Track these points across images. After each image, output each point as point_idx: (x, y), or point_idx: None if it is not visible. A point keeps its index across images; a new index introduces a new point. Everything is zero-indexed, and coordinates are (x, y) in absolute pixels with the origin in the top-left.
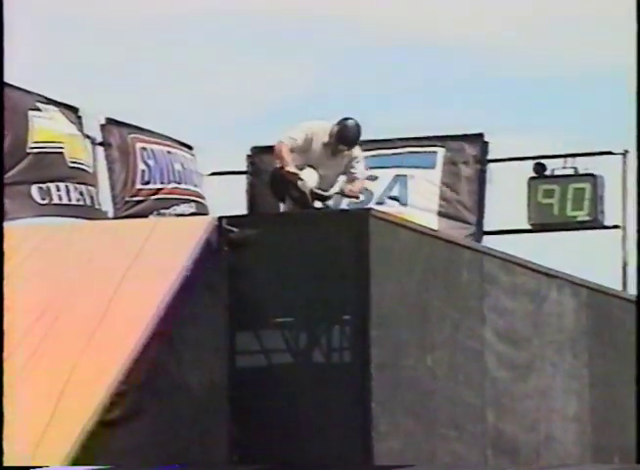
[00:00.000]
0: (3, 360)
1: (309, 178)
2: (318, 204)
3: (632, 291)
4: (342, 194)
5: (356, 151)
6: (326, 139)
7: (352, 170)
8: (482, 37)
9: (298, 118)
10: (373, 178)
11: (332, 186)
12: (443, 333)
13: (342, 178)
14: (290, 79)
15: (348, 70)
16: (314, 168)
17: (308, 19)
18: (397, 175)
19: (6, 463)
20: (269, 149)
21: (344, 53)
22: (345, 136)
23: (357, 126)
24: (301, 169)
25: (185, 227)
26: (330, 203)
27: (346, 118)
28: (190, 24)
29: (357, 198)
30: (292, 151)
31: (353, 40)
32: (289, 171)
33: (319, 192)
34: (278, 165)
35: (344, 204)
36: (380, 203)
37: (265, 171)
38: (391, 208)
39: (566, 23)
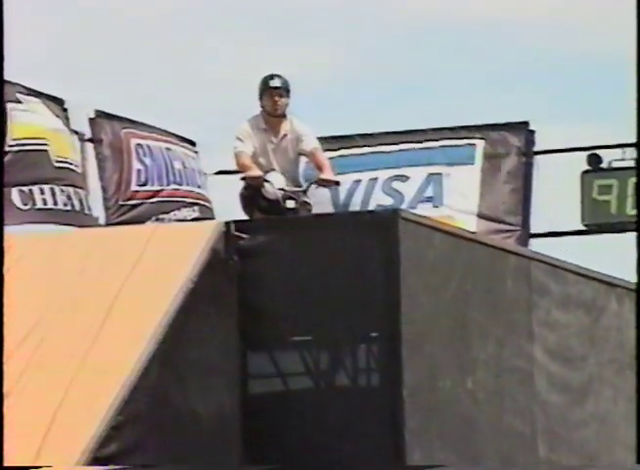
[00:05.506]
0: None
1: (276, 180)
2: (290, 203)
3: None
4: (318, 183)
5: (296, 127)
6: (262, 124)
7: (303, 148)
8: (533, 19)
9: (312, 109)
10: (403, 179)
11: (295, 180)
12: (486, 351)
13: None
14: (304, 71)
15: (368, 57)
16: (273, 168)
17: (322, 7)
18: (431, 174)
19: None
20: None
21: (362, 40)
22: (265, 82)
23: (277, 75)
24: (266, 173)
25: (188, 234)
26: (306, 199)
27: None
28: (191, 14)
29: (338, 184)
30: (252, 156)
31: (378, 25)
32: (252, 176)
33: (289, 189)
34: (243, 185)
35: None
36: (412, 207)
37: None
38: (424, 210)
39: (622, 8)
